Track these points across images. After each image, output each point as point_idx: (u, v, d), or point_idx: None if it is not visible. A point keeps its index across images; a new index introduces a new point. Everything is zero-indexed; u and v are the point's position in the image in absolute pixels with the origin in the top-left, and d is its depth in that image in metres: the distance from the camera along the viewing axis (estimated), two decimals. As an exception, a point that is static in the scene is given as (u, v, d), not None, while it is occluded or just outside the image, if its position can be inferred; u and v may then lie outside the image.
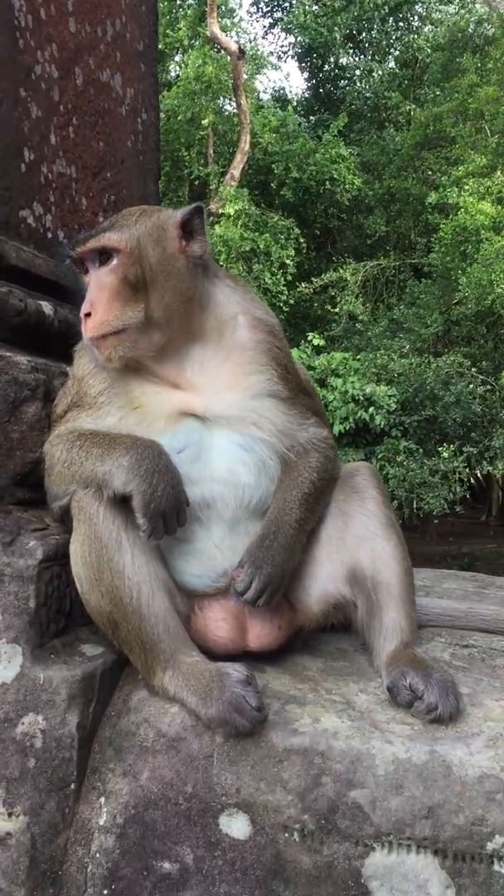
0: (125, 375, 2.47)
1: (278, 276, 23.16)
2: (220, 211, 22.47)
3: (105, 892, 2.17)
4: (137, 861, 2.17)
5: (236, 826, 2.13)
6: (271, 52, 32.83)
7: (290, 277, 23.76)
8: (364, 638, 2.60)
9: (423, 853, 2.02)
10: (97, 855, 2.20)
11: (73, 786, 2.25)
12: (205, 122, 25.71)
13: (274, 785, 2.13)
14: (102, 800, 2.24)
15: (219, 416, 2.44)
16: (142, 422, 2.43)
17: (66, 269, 3.09)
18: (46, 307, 2.81)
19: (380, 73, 29.48)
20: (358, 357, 19.58)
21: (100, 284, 2.41)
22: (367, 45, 30.68)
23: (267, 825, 2.11)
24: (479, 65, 24.21)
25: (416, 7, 29.59)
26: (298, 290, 23.82)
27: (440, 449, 18.11)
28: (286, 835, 2.10)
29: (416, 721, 2.25)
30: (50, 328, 2.84)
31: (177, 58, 28.43)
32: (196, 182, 27.05)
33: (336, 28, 28.14)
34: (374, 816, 2.05)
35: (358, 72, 29.95)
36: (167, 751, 2.24)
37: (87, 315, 2.39)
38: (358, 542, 2.56)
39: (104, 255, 2.42)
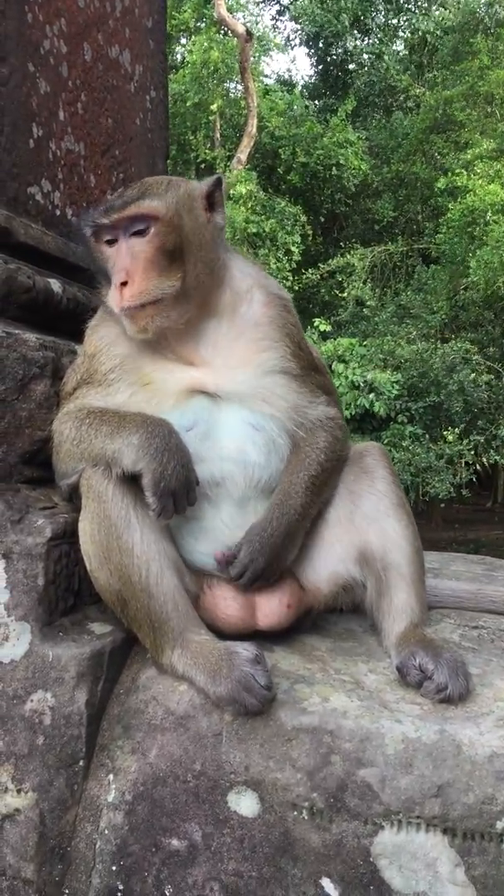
0: (137, 352, 2.46)
1: (283, 262, 23.06)
2: (229, 191, 22.35)
3: (113, 868, 2.18)
4: (146, 838, 2.17)
5: (245, 804, 2.13)
6: (280, 38, 32.45)
7: (294, 264, 23.67)
8: (373, 619, 2.59)
9: (432, 832, 2.01)
10: (106, 831, 2.20)
11: (81, 763, 2.26)
12: (213, 107, 25.54)
13: (283, 763, 2.13)
14: (111, 777, 2.24)
15: (229, 392, 2.43)
16: (151, 399, 2.41)
17: (77, 247, 3.08)
18: (55, 285, 2.79)
19: (388, 56, 29.19)
20: (365, 343, 19.51)
21: (134, 253, 2.37)
22: (374, 28, 30.39)
23: (276, 803, 2.11)
24: (492, 46, 23.98)
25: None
26: (305, 276, 23.73)
27: (445, 433, 18.08)
28: (295, 813, 2.09)
29: (425, 701, 2.25)
30: (58, 306, 2.82)
31: (182, 41, 28.20)
32: (202, 166, 26.89)
33: (343, 13, 27.90)
34: (383, 795, 2.05)
35: (366, 56, 29.65)
36: (176, 728, 2.24)
37: (124, 284, 2.35)
38: (368, 523, 2.54)
39: (140, 224, 2.38)
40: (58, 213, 3.02)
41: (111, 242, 2.43)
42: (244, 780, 2.14)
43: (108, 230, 2.41)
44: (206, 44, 24.64)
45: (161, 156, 3.89)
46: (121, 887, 2.17)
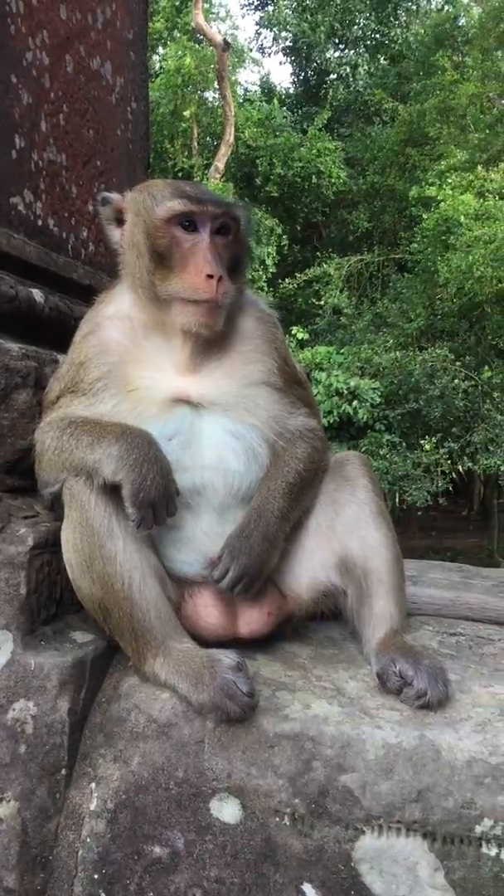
0: (127, 361, 2.48)
1: (259, 273, 23.17)
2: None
3: (95, 876, 2.18)
4: (128, 846, 2.18)
5: (227, 810, 2.15)
6: (260, 47, 32.71)
7: (270, 275, 23.79)
8: (353, 626, 2.62)
9: (412, 836, 2.04)
10: (88, 840, 2.21)
11: (63, 771, 2.26)
12: (186, 113, 25.62)
13: (265, 770, 2.15)
14: (93, 785, 2.25)
15: (212, 402, 2.46)
16: (134, 408, 2.43)
17: (58, 257, 3.09)
18: (37, 294, 2.81)
19: (366, 68, 29.46)
20: (342, 351, 19.63)
21: (220, 252, 2.42)
22: (352, 40, 30.66)
23: (258, 809, 2.13)
24: (460, 61, 24.28)
25: (405, 2, 29.59)
26: (283, 285, 23.84)
27: (422, 442, 18.22)
28: (277, 819, 2.11)
29: (405, 707, 2.27)
30: (40, 315, 2.83)
31: (161, 50, 28.28)
32: (180, 174, 26.95)
33: (319, 26, 28.13)
34: (364, 800, 2.07)
35: (344, 67, 29.91)
36: (158, 736, 2.25)
37: (218, 279, 2.37)
38: (348, 531, 2.57)
39: (226, 227, 2.45)
40: (40, 223, 3.03)
41: (188, 229, 2.43)
42: (226, 787, 2.16)
43: (203, 219, 2.42)
44: (179, 51, 24.75)
45: (142, 166, 3.92)
46: (102, 895, 2.17)
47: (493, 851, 1.99)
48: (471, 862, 2.00)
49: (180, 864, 2.14)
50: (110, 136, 3.59)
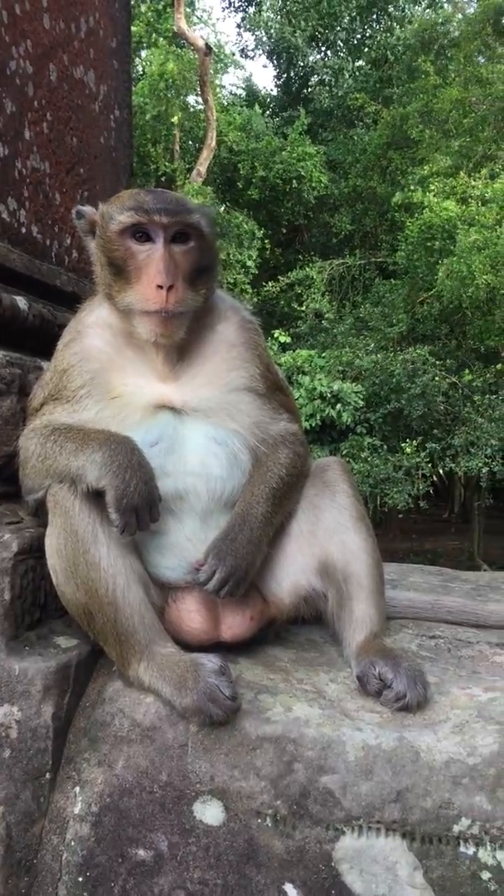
0: (109, 368, 2.50)
1: (240, 277, 23.23)
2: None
3: (80, 879, 2.21)
4: (112, 848, 2.21)
5: (210, 813, 2.18)
6: (241, 50, 32.73)
7: (251, 278, 23.86)
8: (334, 629, 2.66)
9: (391, 836, 2.08)
10: (72, 843, 2.23)
11: (48, 775, 2.28)
12: (174, 119, 25.62)
13: (247, 772, 2.18)
14: (77, 789, 2.27)
15: (195, 408, 2.49)
16: (118, 415, 2.46)
17: (42, 265, 3.11)
18: (21, 302, 2.83)
19: (349, 71, 29.59)
20: (323, 355, 19.71)
21: (176, 261, 2.41)
22: (335, 43, 30.80)
23: (240, 811, 2.16)
24: (443, 66, 24.45)
25: (389, 7, 29.70)
26: (265, 288, 23.91)
27: (403, 445, 18.32)
28: (259, 820, 2.15)
29: (384, 709, 2.32)
30: (24, 323, 2.85)
31: (142, 53, 28.27)
32: (163, 178, 26.95)
33: (300, 30, 28.23)
34: (344, 801, 2.11)
35: (327, 70, 30.03)
36: (142, 740, 2.28)
37: (169, 288, 2.37)
38: (329, 536, 2.61)
39: (184, 234, 2.44)
40: (24, 231, 3.05)
41: (141, 239, 2.42)
42: (209, 790, 2.19)
43: (154, 229, 2.41)
44: (162, 56, 24.73)
45: (125, 173, 3.95)
46: (87, 898, 2.20)
47: (471, 850, 2.03)
48: (449, 861, 2.04)
49: (164, 866, 2.17)
50: (94, 144, 3.62)
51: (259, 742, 2.21)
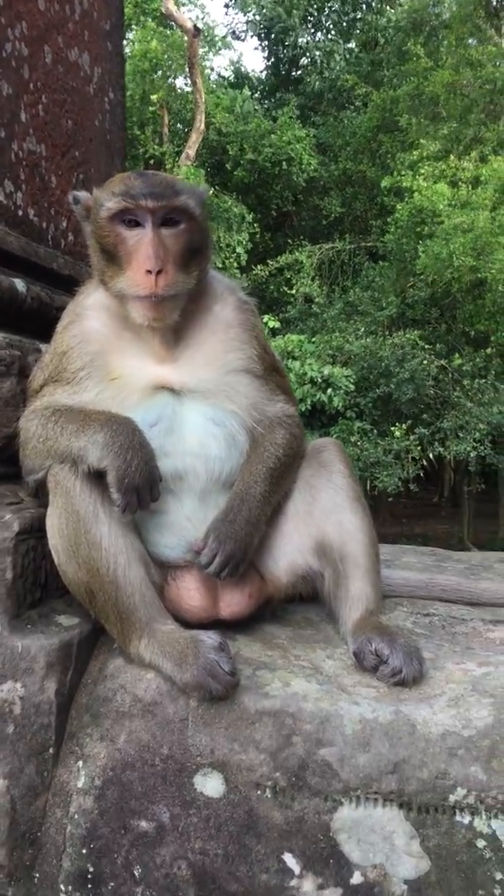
0: (108, 350, 2.53)
1: (231, 261, 23.18)
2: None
3: (83, 851, 2.25)
4: (115, 821, 2.25)
5: (211, 785, 2.23)
6: (233, 31, 32.53)
7: (242, 262, 23.81)
8: (330, 607, 2.70)
9: (388, 806, 2.13)
10: (76, 816, 2.28)
11: (51, 750, 2.32)
12: (154, 97, 25.43)
13: (247, 745, 2.23)
14: (80, 763, 2.32)
15: (193, 389, 2.52)
16: (117, 396, 2.49)
17: (39, 247, 3.13)
18: (19, 284, 2.84)
19: (340, 54, 29.41)
20: (313, 339, 19.73)
21: (165, 245, 2.42)
22: (328, 24, 30.61)
23: (240, 783, 2.21)
24: (434, 48, 24.35)
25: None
26: (254, 272, 23.87)
27: (393, 429, 18.40)
28: (259, 792, 2.19)
29: (381, 684, 2.37)
30: (22, 305, 2.87)
31: (129, 35, 28.04)
32: (151, 161, 26.80)
33: (295, 9, 28.02)
34: (342, 773, 2.16)
35: (317, 52, 29.82)
36: (143, 715, 2.32)
37: (158, 272, 2.38)
38: (325, 515, 2.65)
39: (172, 217, 2.44)
40: (20, 213, 3.06)
41: (130, 225, 2.44)
42: (210, 763, 2.23)
43: (142, 214, 2.41)
44: (147, 36, 24.52)
45: (119, 156, 3.95)
46: (91, 869, 2.24)
47: (466, 819, 2.08)
48: (445, 830, 2.09)
49: (166, 837, 2.22)
50: (88, 127, 3.62)
51: (258, 716, 2.26)
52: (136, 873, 2.22)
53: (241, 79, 31.82)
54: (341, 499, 2.66)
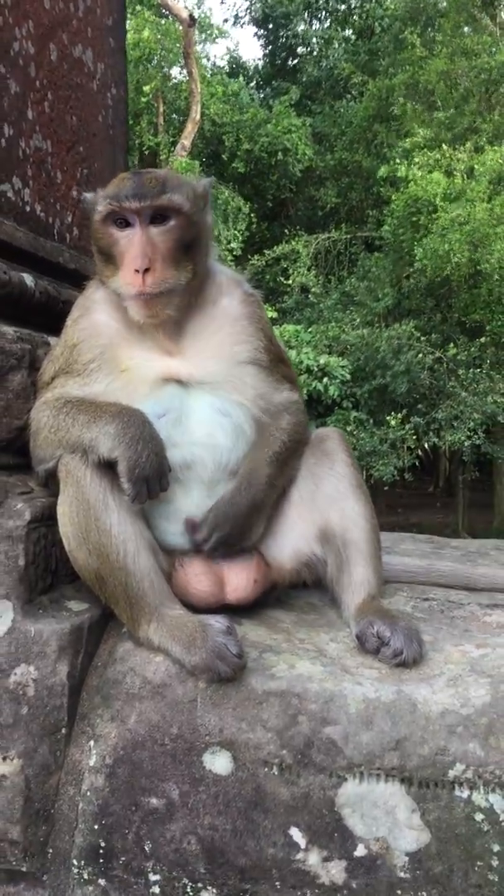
0: (117, 343, 2.60)
1: (225, 253, 23.19)
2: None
3: (95, 827, 2.34)
4: (126, 798, 2.33)
5: (219, 763, 2.31)
6: (235, 16, 32.41)
7: (238, 253, 23.82)
8: (333, 592, 2.78)
9: (391, 782, 2.22)
10: (88, 793, 2.36)
11: (63, 730, 2.40)
12: (146, 88, 25.35)
13: (254, 724, 2.31)
14: (92, 743, 2.40)
15: (201, 381, 2.60)
16: (126, 387, 2.56)
17: (46, 243, 3.19)
18: (28, 279, 2.90)
19: (338, 42, 29.34)
20: (309, 330, 19.78)
21: (154, 242, 2.50)
22: (325, 13, 30.50)
23: (248, 761, 2.29)
24: (430, 38, 24.30)
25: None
26: (251, 262, 23.88)
27: (388, 418, 18.48)
28: (266, 769, 2.28)
29: (383, 665, 2.45)
30: (31, 299, 2.93)
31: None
32: (146, 152, 26.74)
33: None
34: (346, 750, 2.25)
35: (315, 40, 29.73)
36: (153, 696, 2.40)
37: (146, 271, 2.46)
38: (328, 503, 2.73)
39: (161, 215, 2.51)
40: (28, 209, 3.12)
41: (122, 225, 2.53)
42: (218, 741, 2.31)
43: (129, 214, 2.50)
44: (141, 25, 24.41)
45: (122, 151, 4.01)
46: (103, 844, 2.33)
47: (465, 794, 2.17)
48: (445, 804, 2.18)
49: (176, 813, 2.30)
50: (92, 122, 3.68)
51: (265, 697, 2.34)
52: (146, 848, 2.30)
53: (236, 68, 31.73)
54: (344, 487, 2.73)
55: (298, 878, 2.22)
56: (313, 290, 23.21)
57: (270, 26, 30.06)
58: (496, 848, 2.12)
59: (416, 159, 20.11)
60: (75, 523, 2.45)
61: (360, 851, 2.19)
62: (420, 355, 18.67)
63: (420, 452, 21.11)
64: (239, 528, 2.56)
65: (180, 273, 2.53)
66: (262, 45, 32.26)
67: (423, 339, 19.20)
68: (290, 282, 23.51)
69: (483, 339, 19.69)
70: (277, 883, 2.23)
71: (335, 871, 2.20)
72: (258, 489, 2.60)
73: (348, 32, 30.80)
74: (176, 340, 2.63)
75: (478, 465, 23.75)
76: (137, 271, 2.46)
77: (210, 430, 2.58)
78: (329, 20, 30.51)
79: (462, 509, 23.26)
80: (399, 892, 2.17)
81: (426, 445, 21.10)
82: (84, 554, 2.46)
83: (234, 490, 2.58)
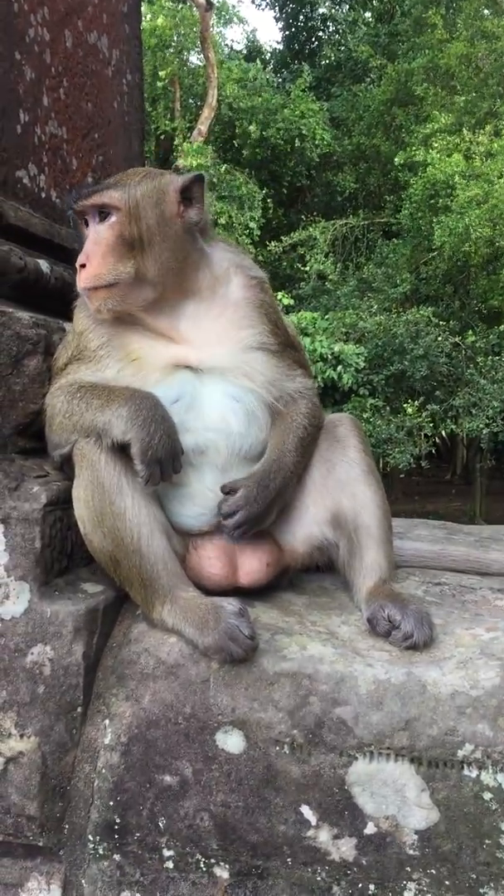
0: (123, 330, 2.63)
1: (243, 238, 23.14)
2: (182, 165, 22.26)
3: (110, 803, 2.39)
4: (141, 775, 2.38)
5: (231, 742, 2.35)
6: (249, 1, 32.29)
7: (255, 238, 23.77)
8: (345, 576, 2.81)
9: (400, 761, 2.25)
10: (103, 771, 2.41)
11: (79, 709, 2.45)
12: (162, 73, 25.29)
13: (266, 704, 2.35)
14: (107, 721, 2.44)
15: (211, 367, 2.62)
16: (138, 373, 2.59)
17: (61, 229, 3.22)
18: (44, 265, 2.94)
19: (358, 25, 29.10)
20: (326, 317, 19.74)
21: (96, 239, 2.57)
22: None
23: (260, 740, 2.33)
24: (450, 20, 24.08)
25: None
26: (268, 248, 23.83)
27: (405, 405, 18.45)
28: (277, 748, 2.31)
29: (393, 648, 2.48)
30: (47, 285, 2.96)
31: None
32: (162, 137, 26.71)
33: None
34: (356, 730, 2.28)
35: (332, 24, 29.51)
36: (167, 676, 2.44)
37: (83, 266, 2.55)
38: (340, 488, 2.75)
39: (104, 212, 2.58)
40: (43, 195, 3.15)
41: (87, 225, 2.63)
42: (231, 721, 2.35)
43: (80, 214, 2.62)
44: (152, 14, 24.36)
45: (137, 137, 4.03)
46: (118, 820, 2.38)
47: (474, 773, 2.20)
48: (453, 783, 2.21)
49: (189, 790, 2.35)
50: (107, 109, 3.70)
51: (277, 677, 2.38)
52: (160, 824, 2.35)
53: (254, 52, 31.57)
54: (356, 472, 2.75)
55: (309, 855, 2.26)
56: (330, 276, 23.14)
57: (291, 8, 29.82)
58: (504, 827, 2.15)
59: (436, 144, 19.99)
60: (90, 507, 2.49)
61: (369, 829, 2.23)
62: (439, 339, 18.60)
63: (437, 440, 21.07)
64: (264, 511, 2.59)
65: (119, 267, 2.54)
66: (280, 28, 32.07)
67: (441, 325, 19.11)
68: (307, 268, 23.44)
69: (502, 327, 19.60)
70: (289, 859, 2.28)
71: (345, 849, 2.24)
72: (287, 474, 2.64)
73: (368, 15, 30.54)
74: (175, 328, 2.66)
75: (495, 452, 23.69)
76: (79, 267, 2.56)
77: (223, 415, 2.61)
78: (349, 3, 30.24)
79: (479, 497, 23.21)
80: (408, 869, 2.20)
81: (443, 433, 21.06)
82: (99, 537, 2.50)
83: (266, 471, 2.61)
